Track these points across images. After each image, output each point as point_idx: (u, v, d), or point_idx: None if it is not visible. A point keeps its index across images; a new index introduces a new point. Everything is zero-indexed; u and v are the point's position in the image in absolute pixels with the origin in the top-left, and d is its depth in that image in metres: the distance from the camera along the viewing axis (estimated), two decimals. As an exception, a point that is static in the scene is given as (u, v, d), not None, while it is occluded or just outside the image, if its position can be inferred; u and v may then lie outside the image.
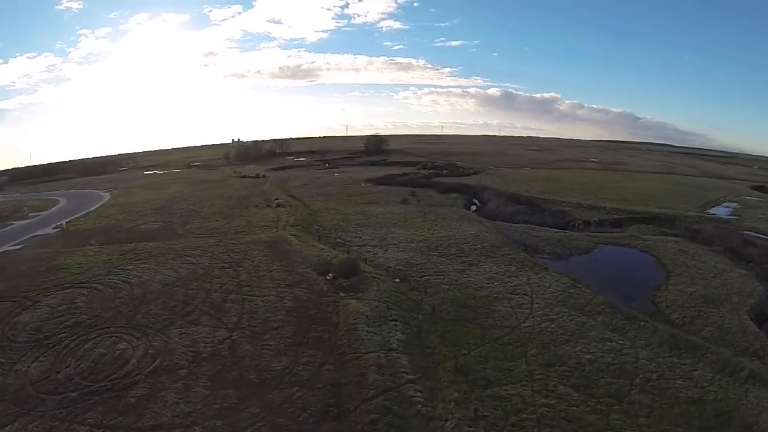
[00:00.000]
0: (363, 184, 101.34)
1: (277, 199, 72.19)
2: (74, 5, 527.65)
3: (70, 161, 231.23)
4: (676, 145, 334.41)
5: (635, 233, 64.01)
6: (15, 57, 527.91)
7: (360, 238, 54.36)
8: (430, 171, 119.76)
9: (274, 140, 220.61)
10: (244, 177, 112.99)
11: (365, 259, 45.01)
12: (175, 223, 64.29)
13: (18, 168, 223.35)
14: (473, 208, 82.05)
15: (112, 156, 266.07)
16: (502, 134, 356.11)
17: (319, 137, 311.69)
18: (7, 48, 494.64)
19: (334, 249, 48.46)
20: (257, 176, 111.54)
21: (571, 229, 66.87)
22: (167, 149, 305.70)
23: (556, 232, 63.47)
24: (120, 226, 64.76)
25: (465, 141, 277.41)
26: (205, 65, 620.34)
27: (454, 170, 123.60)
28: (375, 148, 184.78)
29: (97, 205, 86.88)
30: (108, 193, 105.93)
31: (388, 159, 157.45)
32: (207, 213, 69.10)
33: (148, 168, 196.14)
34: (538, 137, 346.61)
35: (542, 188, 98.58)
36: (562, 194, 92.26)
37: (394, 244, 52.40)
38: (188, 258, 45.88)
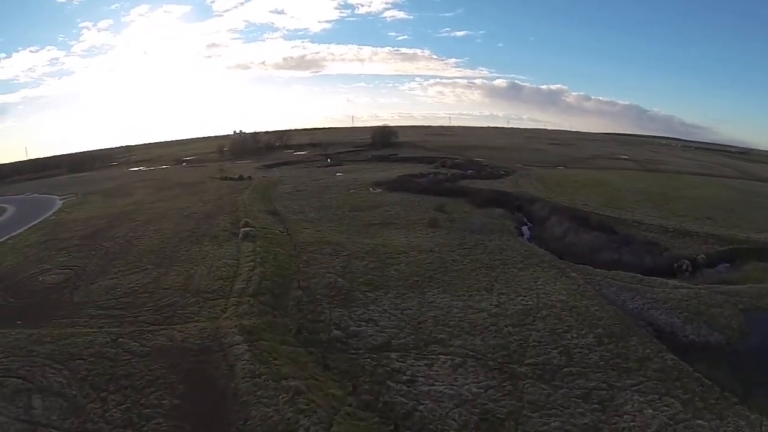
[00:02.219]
0: (371, 189, 75.28)
1: (246, 225, 45.84)
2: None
3: (61, 156, 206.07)
4: (684, 138, 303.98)
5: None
6: (18, 51, 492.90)
7: (376, 324, 28.20)
8: (453, 171, 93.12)
9: (273, 132, 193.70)
10: (226, 179, 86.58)
11: (396, 423, 18.99)
12: (87, 273, 38.84)
13: (4, 164, 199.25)
14: (525, 231, 55.93)
15: (107, 150, 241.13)
16: (510, 126, 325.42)
17: (324, 128, 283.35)
18: (9, 42, 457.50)
19: (327, 370, 22.67)
20: (240, 178, 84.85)
21: (681, 274, 43.21)
22: (167, 141, 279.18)
23: (675, 287, 38.41)
24: (16, 276, 40.17)
25: (476, 133, 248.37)
26: (209, 56, 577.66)
27: (480, 170, 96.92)
28: (383, 140, 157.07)
29: (28, 226, 62.13)
30: (62, 202, 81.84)
31: (398, 154, 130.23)
32: (142, 249, 43.23)
33: (137, 163, 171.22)
34: (546, 129, 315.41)
35: (601, 200, 72.75)
36: (630, 209, 67.86)
37: (442, 340, 26.47)
38: (31, 406, 20.41)
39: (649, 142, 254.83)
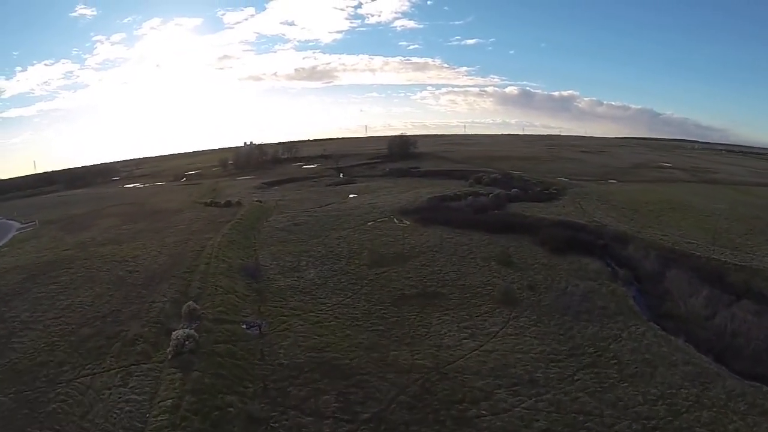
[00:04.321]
0: (396, 221, 54.45)
1: (190, 314, 24.99)
2: (88, 12, 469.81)
3: (60, 171, 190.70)
4: (701, 140, 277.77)
5: None
6: (33, 64, 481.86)
7: None
8: (493, 190, 71.31)
9: (283, 144, 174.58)
10: (212, 204, 66.30)
11: None
12: None
13: (6, 180, 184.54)
14: (636, 295, 34.40)
15: (117, 163, 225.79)
16: (525, 133, 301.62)
17: (337, 138, 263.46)
18: (25, 55, 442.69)
19: None
20: (227, 204, 64.20)
21: None
22: (178, 154, 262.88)
23: None
24: None
25: (494, 142, 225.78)
26: (221, 68, 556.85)
27: (525, 187, 75.22)
28: (401, 151, 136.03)
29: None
30: (14, 235, 63.32)
31: (420, 167, 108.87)
32: (5, 369, 23.01)
33: (136, 179, 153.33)
34: (561, 135, 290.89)
35: (703, 234, 53.39)
36: (747, 248, 47.90)
37: None
38: None
39: (679, 146, 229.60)
